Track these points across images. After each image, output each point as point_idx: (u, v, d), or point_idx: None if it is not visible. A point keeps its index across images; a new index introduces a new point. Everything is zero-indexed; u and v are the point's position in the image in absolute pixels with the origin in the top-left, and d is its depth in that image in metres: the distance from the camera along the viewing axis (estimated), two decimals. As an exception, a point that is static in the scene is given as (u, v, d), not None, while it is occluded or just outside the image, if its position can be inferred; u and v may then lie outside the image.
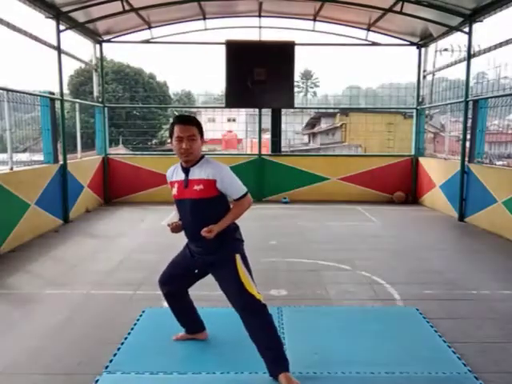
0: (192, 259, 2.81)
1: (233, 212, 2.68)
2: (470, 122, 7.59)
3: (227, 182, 2.63)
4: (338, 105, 16.78)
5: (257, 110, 9.79)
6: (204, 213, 2.63)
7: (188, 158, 2.62)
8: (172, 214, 8.07)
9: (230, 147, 24.55)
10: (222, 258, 2.68)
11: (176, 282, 2.93)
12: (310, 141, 30.07)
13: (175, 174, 2.76)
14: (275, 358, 2.60)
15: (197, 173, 2.64)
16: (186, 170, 2.67)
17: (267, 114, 10.31)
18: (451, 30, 7.94)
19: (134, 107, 25.37)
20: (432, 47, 9.33)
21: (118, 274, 4.71)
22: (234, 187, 2.67)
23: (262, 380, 2.64)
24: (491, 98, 7.19)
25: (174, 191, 2.74)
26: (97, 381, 2.64)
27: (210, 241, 2.60)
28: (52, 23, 7.22)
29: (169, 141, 2.76)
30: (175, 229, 2.74)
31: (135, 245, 5.91)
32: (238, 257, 2.68)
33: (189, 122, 2.62)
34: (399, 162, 9.83)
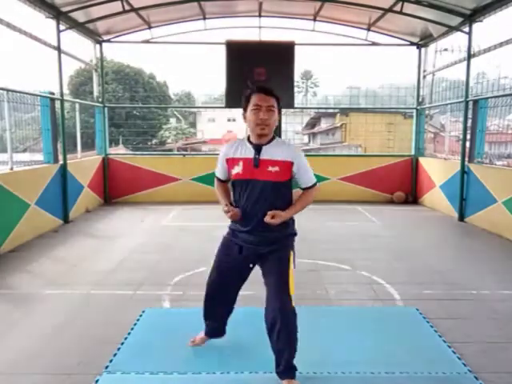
0: (240, 255, 2.56)
1: (302, 201, 2.49)
2: (470, 121, 7.59)
3: (303, 168, 2.47)
4: (338, 105, 16.75)
5: (257, 110, 9.78)
6: (275, 198, 2.44)
7: (264, 131, 2.40)
8: (172, 214, 8.08)
9: (230, 147, 24.54)
10: (278, 252, 2.51)
11: (229, 289, 2.70)
12: (309, 141, 30.10)
13: (240, 150, 2.48)
14: (290, 367, 2.52)
15: (271, 152, 2.42)
16: (258, 148, 2.44)
17: (267, 114, 10.30)
18: (451, 29, 7.94)
19: (134, 107, 25.38)
20: (432, 47, 9.33)
21: (118, 274, 4.71)
22: (308, 174, 2.51)
23: (262, 380, 2.64)
24: (491, 98, 7.19)
25: (238, 170, 2.45)
26: (97, 381, 2.64)
27: (272, 230, 2.43)
28: (52, 23, 7.22)
29: (240, 114, 2.50)
30: (235, 216, 2.46)
31: (135, 245, 5.91)
32: (292, 255, 2.53)
33: (269, 93, 2.42)
34: (399, 161, 9.82)
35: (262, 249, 2.53)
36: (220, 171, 2.65)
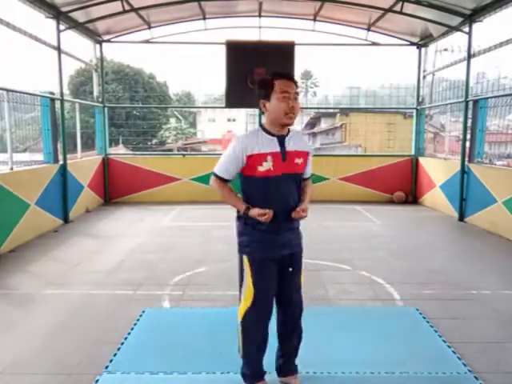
0: (282, 263, 2.35)
1: (309, 192, 2.40)
2: (470, 121, 7.59)
3: (311, 158, 2.41)
4: (338, 105, 16.80)
5: (257, 109, 9.80)
6: (298, 190, 2.34)
7: (291, 120, 2.21)
8: (172, 214, 8.08)
9: (230, 147, 24.56)
10: (300, 251, 2.44)
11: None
12: (310, 141, 30.10)
13: (262, 144, 2.21)
14: (294, 363, 2.59)
15: (293, 144, 2.27)
16: (281, 140, 2.25)
17: (267, 114, 10.32)
18: (451, 29, 7.94)
19: (134, 107, 25.40)
20: (432, 47, 9.33)
21: (118, 274, 4.71)
22: (310, 165, 2.43)
23: (262, 380, 2.64)
24: (491, 97, 7.19)
25: (268, 166, 2.19)
26: (97, 381, 2.64)
27: (298, 225, 2.39)
28: (52, 23, 7.22)
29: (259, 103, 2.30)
30: (270, 218, 2.20)
31: (135, 245, 5.91)
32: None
33: (293, 79, 2.22)
34: (399, 161, 9.82)
35: (295, 247, 2.41)
36: (228, 170, 2.26)
